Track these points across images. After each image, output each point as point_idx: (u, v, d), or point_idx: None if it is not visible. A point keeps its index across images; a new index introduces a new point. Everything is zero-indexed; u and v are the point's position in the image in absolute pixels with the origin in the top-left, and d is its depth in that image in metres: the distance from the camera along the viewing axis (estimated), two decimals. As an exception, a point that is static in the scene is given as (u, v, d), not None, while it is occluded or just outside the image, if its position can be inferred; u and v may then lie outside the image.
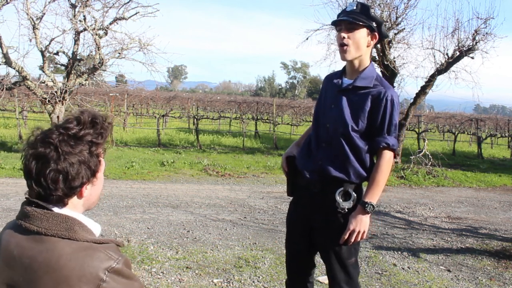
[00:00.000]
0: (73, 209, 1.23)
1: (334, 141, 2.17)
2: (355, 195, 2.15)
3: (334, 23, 2.20)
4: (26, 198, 1.22)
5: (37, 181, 1.16)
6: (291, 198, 2.41)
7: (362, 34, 2.14)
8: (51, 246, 1.15)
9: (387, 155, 2.14)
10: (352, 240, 2.12)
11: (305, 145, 2.33)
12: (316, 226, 2.23)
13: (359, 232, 2.10)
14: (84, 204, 1.27)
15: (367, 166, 2.18)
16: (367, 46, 2.18)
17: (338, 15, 2.22)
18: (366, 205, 2.10)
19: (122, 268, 1.18)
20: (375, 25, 2.15)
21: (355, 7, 2.14)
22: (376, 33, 2.18)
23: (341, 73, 2.29)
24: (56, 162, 1.15)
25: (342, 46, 2.14)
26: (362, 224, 2.10)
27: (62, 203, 1.21)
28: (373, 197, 2.11)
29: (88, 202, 1.27)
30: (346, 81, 2.23)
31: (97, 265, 1.14)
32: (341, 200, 2.13)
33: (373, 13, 2.14)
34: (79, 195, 1.22)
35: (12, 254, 1.17)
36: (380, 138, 2.14)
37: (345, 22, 2.14)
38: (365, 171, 2.17)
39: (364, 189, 2.20)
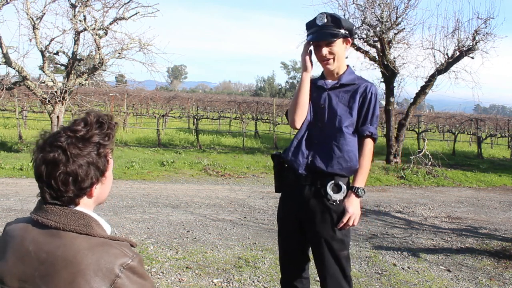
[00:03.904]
0: (85, 207, 1.27)
1: (327, 139, 2.27)
2: (345, 187, 2.25)
3: (311, 40, 2.30)
4: (40, 198, 1.24)
5: (48, 183, 1.19)
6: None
7: (339, 46, 2.28)
8: (68, 241, 1.17)
9: (369, 144, 2.30)
10: (350, 224, 2.22)
11: (295, 142, 2.38)
12: (306, 220, 2.29)
13: (356, 216, 2.23)
14: (95, 201, 1.31)
15: (357, 158, 2.29)
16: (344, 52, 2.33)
17: (310, 27, 2.30)
18: (359, 190, 2.25)
19: (137, 266, 1.20)
20: (347, 32, 2.26)
21: (325, 20, 2.23)
22: (349, 38, 2.31)
23: (321, 77, 2.41)
24: (65, 165, 1.18)
25: (325, 60, 2.29)
26: (357, 208, 2.24)
27: (73, 203, 1.24)
28: (362, 183, 2.27)
29: (98, 199, 1.31)
30: (330, 82, 2.35)
31: (113, 261, 1.16)
32: (332, 193, 2.23)
33: (343, 21, 2.24)
34: (89, 194, 1.26)
35: (27, 249, 1.19)
36: (364, 127, 2.29)
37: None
38: (356, 163, 2.28)
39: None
